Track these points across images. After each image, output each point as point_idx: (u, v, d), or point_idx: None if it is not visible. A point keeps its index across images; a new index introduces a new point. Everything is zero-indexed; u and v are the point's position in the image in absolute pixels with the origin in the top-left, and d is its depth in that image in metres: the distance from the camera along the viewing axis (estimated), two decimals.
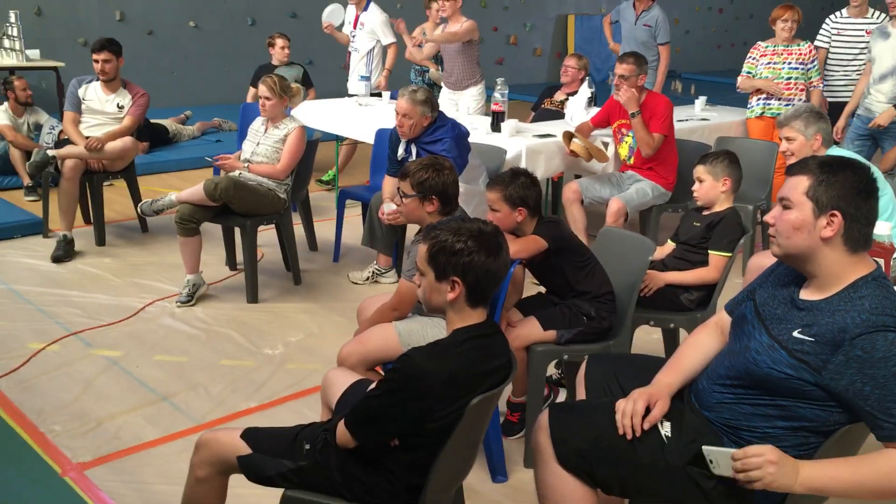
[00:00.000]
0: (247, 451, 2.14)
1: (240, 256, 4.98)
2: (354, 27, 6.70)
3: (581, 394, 2.46)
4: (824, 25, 6.06)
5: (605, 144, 5.38)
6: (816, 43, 6.08)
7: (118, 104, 5.30)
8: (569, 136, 5.09)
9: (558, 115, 6.23)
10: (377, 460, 2.04)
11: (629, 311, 3.07)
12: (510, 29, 13.85)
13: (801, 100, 5.71)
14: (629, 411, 2.07)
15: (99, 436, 3.14)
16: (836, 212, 1.90)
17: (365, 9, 6.67)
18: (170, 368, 3.71)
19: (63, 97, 8.18)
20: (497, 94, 5.30)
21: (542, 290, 3.29)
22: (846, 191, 1.90)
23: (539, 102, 6.64)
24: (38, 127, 6.64)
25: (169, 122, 8.14)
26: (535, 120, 6.27)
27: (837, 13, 6.04)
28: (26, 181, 6.27)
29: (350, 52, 6.84)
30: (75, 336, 3.98)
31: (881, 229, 2.58)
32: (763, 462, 1.83)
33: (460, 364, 1.97)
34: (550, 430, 2.10)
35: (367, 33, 6.65)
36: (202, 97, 10.00)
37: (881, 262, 2.55)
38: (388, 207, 4.34)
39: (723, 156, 3.46)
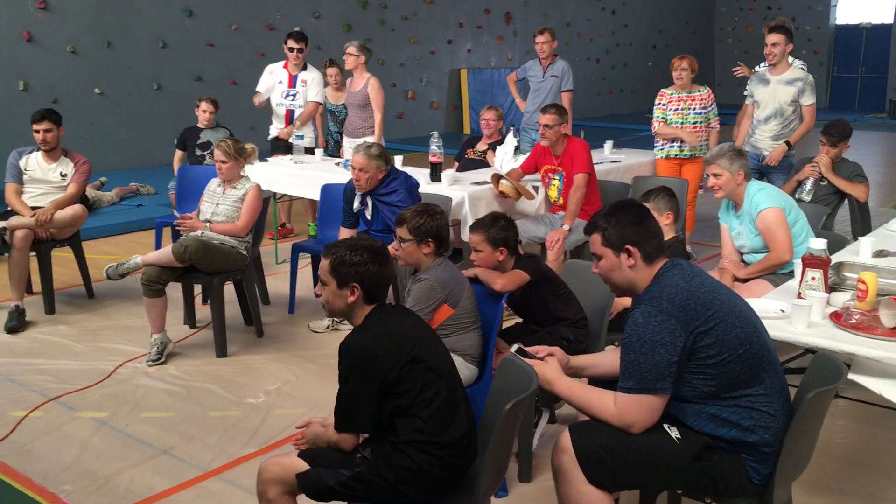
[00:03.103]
0: (305, 468, 2.37)
1: (199, 314, 5.13)
2: (291, 86, 6.99)
3: None
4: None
5: (536, 188, 5.82)
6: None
7: (61, 173, 5.37)
8: (497, 178, 5.51)
9: (482, 164, 6.66)
10: (400, 441, 2.36)
11: (602, 333, 3.45)
12: (408, 84, 14.39)
13: (705, 140, 6.35)
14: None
15: (111, 491, 3.24)
16: (627, 246, 2.41)
17: (304, 68, 7.02)
18: (160, 424, 3.82)
19: None
20: (434, 147, 5.67)
21: (520, 320, 3.63)
22: (625, 228, 2.43)
23: (462, 153, 7.05)
24: None
25: (88, 190, 8.09)
26: (460, 170, 6.67)
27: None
28: None
29: (290, 111, 7.07)
30: (55, 401, 4.02)
31: (817, 244, 3.06)
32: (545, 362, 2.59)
33: (383, 326, 2.43)
34: (575, 451, 2.39)
35: (305, 91, 7.02)
36: (111, 163, 9.96)
37: (818, 273, 3.01)
38: None
39: (663, 192, 3.92)
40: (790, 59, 6.35)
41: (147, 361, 4.49)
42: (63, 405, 4.00)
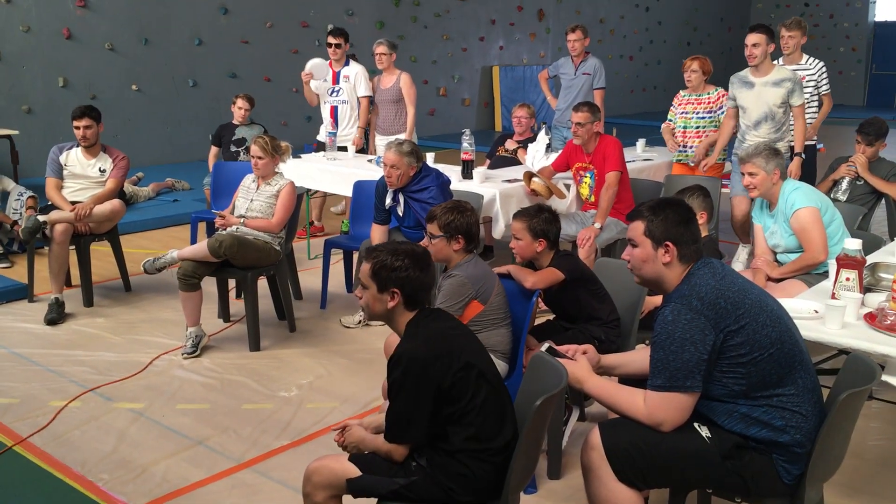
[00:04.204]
0: (357, 474, 2.38)
1: (233, 308, 5.20)
2: (335, 82, 7.06)
3: None
4: None
5: (567, 186, 5.82)
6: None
7: (100, 168, 5.46)
8: (529, 176, 5.52)
9: (513, 161, 6.67)
10: (453, 449, 2.35)
11: (633, 331, 3.45)
12: (439, 81, 14.42)
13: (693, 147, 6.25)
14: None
15: (148, 480, 3.31)
16: (668, 242, 2.42)
17: (346, 63, 7.09)
18: (195, 416, 3.89)
19: (17, 165, 8.24)
20: (465, 144, 5.69)
21: (552, 316, 3.64)
22: (670, 224, 2.44)
23: (493, 150, 7.07)
24: (4, 196, 6.67)
25: (125, 185, 8.22)
26: (491, 167, 6.68)
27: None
28: None
29: (334, 107, 7.11)
30: (93, 392, 4.11)
31: (852, 245, 3.03)
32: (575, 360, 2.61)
33: (428, 332, 2.39)
34: (604, 448, 2.40)
35: (350, 86, 7.06)
36: (147, 159, 10.09)
37: (853, 273, 2.99)
38: None
39: (698, 191, 3.90)
40: (804, 55, 6.20)
41: (182, 354, 4.57)
42: (101, 396, 4.08)
